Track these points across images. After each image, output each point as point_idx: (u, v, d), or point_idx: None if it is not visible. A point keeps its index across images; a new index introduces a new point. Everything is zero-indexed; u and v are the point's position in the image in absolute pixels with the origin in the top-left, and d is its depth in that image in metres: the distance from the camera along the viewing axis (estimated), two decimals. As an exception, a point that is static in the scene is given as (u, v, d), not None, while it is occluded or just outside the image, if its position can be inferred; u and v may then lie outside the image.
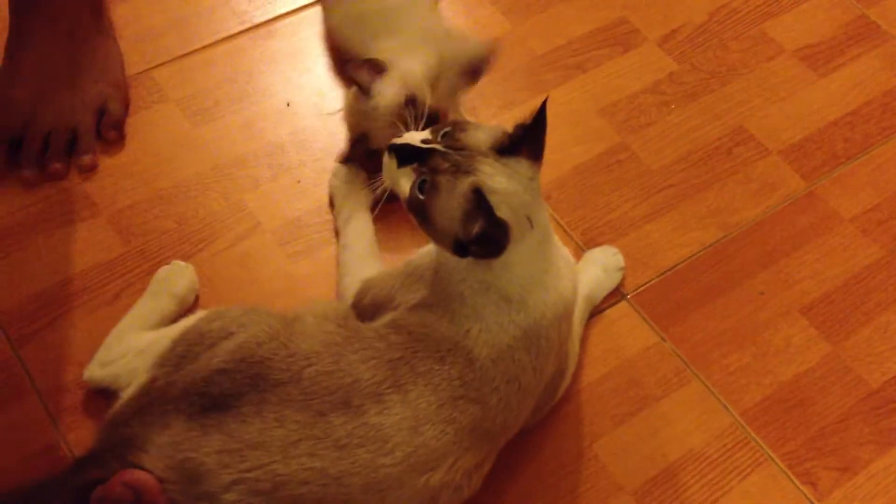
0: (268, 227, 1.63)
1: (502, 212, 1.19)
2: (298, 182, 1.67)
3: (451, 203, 1.19)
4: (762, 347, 1.54)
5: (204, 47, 1.84)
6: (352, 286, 1.43)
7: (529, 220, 1.22)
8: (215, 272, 1.57)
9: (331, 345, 1.22)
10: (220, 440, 1.14)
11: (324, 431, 1.15)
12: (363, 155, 1.59)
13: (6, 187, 1.64)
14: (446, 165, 1.20)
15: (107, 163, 1.68)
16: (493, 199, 1.18)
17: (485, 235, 1.18)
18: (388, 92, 1.53)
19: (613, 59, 1.87)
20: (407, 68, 1.55)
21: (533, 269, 1.25)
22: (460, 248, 1.20)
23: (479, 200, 1.17)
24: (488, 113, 1.78)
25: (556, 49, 1.89)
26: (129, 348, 1.36)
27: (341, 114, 1.68)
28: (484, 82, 1.81)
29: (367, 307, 1.36)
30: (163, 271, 1.51)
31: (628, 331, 1.54)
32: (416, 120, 1.47)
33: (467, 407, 1.20)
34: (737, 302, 1.58)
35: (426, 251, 1.35)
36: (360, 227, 1.57)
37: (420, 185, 1.21)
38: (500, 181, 1.20)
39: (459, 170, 1.19)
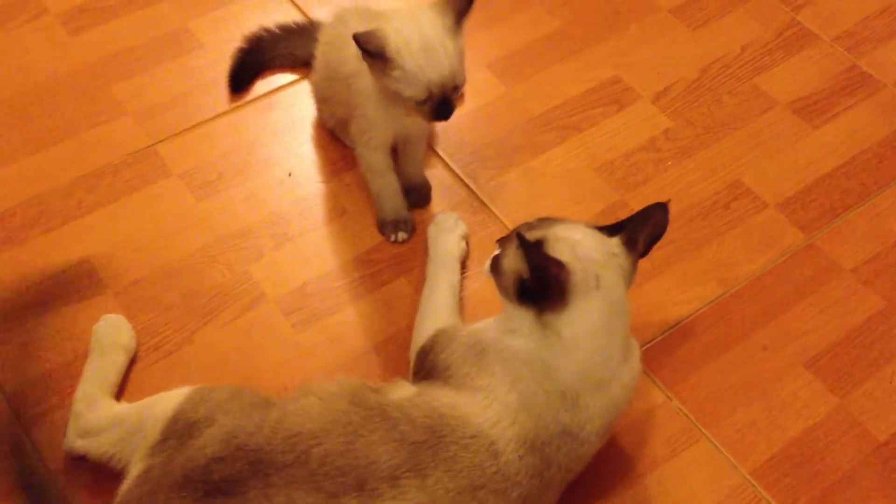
0: (272, 298, 1.65)
1: (563, 254, 1.26)
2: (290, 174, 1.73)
3: (515, 252, 1.29)
4: (769, 403, 1.54)
5: (206, 121, 1.88)
6: (426, 331, 1.43)
7: (597, 278, 1.26)
8: (221, 344, 1.58)
9: (345, 424, 1.21)
10: None
11: None
12: None
13: (12, 268, 1.66)
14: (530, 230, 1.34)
15: (113, 239, 1.70)
16: (557, 245, 1.27)
17: (539, 267, 1.23)
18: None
19: (609, 118, 1.90)
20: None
21: (598, 352, 1.26)
22: (523, 291, 1.27)
23: (524, 243, 1.23)
24: (487, 175, 1.81)
25: (552, 109, 1.91)
26: (107, 420, 1.38)
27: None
28: (481, 145, 1.85)
29: (428, 364, 1.37)
30: (100, 328, 1.54)
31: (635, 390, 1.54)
32: None
33: (487, 497, 1.19)
34: (741, 357, 1.58)
35: (491, 325, 1.35)
36: (448, 277, 1.59)
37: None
38: (572, 234, 1.30)
39: (535, 229, 1.34)
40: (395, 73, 1.47)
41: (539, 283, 1.25)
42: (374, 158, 1.66)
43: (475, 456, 1.19)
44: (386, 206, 1.71)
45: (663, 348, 1.59)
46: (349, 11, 1.69)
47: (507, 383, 1.25)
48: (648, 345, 1.59)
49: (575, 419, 1.24)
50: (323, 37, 1.74)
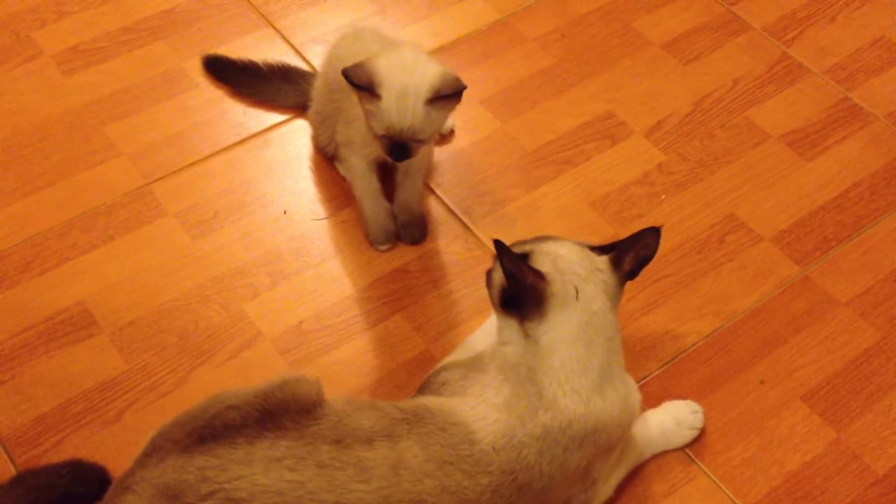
0: (268, 336, 1.64)
1: (544, 266, 1.32)
2: (285, 212, 1.71)
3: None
4: (767, 437, 1.53)
5: (201, 160, 1.88)
6: (440, 364, 1.50)
7: (577, 289, 1.30)
8: (217, 384, 1.57)
9: (338, 411, 1.26)
10: (204, 460, 1.18)
11: (309, 453, 1.19)
12: None
13: (6, 310, 1.66)
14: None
15: (108, 280, 1.70)
16: (540, 258, 1.33)
17: (514, 274, 1.29)
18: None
19: (602, 153, 1.91)
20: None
21: (574, 360, 1.29)
22: (505, 300, 1.34)
23: (500, 249, 1.30)
24: (482, 211, 1.81)
25: (546, 145, 1.92)
26: None
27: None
28: (477, 180, 1.86)
29: (428, 389, 1.41)
30: None
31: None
32: None
33: (454, 472, 1.23)
34: (738, 392, 1.58)
35: (490, 351, 1.39)
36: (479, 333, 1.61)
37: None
38: (558, 249, 1.35)
39: (526, 244, 1.39)
40: (371, 103, 1.54)
41: (515, 289, 1.31)
42: (357, 164, 1.71)
43: (450, 438, 1.25)
44: (368, 215, 1.74)
45: (661, 383, 1.59)
46: (364, 30, 1.74)
47: (497, 386, 1.30)
48: (646, 379, 1.59)
49: (555, 421, 1.27)
50: (335, 50, 1.77)
